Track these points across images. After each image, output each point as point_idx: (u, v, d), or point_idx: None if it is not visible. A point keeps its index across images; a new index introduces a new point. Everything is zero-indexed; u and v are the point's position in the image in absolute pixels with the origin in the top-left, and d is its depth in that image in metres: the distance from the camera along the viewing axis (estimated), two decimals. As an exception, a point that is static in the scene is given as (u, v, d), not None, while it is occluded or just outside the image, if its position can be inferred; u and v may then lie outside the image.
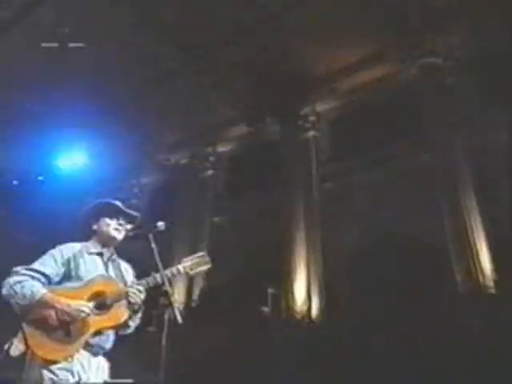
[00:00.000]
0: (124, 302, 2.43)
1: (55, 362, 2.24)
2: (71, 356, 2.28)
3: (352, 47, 9.59)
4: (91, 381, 2.33)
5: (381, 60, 9.79)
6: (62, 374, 2.24)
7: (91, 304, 2.37)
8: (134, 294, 2.42)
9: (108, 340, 2.46)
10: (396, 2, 8.58)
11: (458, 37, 9.11)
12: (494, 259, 7.53)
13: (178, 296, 10.61)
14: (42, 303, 2.31)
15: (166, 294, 2.42)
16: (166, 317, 2.41)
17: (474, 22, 8.73)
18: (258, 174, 11.38)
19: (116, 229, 2.66)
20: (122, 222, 2.68)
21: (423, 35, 9.16)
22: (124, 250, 2.79)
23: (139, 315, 2.57)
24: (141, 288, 2.45)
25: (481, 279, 7.37)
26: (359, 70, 10.08)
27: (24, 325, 2.29)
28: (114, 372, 2.55)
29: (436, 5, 8.48)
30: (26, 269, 2.41)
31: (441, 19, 8.77)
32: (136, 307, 2.47)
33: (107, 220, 2.67)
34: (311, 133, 11.14)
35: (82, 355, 2.33)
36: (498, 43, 8.56)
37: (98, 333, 2.38)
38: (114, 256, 2.70)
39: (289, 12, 8.79)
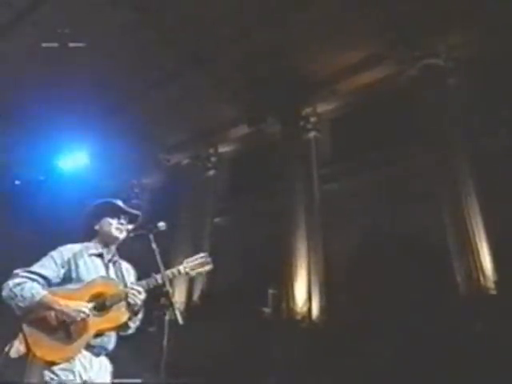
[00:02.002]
0: (124, 303, 2.44)
1: (56, 363, 2.26)
2: (72, 357, 2.30)
3: (353, 48, 9.59)
4: (93, 381, 2.34)
5: (382, 61, 9.79)
6: (64, 375, 2.25)
7: (90, 305, 2.38)
8: (134, 295, 2.43)
9: (110, 341, 2.48)
10: (397, 3, 8.57)
11: (458, 38, 9.10)
12: (495, 260, 7.53)
13: (179, 297, 10.62)
14: (42, 305, 2.32)
15: (166, 294, 2.43)
16: (167, 317, 2.42)
17: (475, 23, 8.74)
18: (259, 175, 11.39)
19: (118, 228, 2.67)
20: (123, 221, 2.69)
21: (424, 36, 9.15)
22: (124, 250, 2.80)
23: (139, 316, 2.58)
24: (140, 289, 2.46)
25: (481, 280, 7.36)
26: (360, 71, 10.08)
27: (24, 326, 2.30)
28: (115, 372, 2.56)
29: (437, 6, 8.48)
30: (25, 271, 2.42)
31: (442, 20, 8.76)
32: (136, 308, 2.48)
33: (109, 219, 2.68)
34: (312, 133, 11.15)
35: (84, 356, 2.35)
36: (499, 44, 8.56)
37: (99, 334, 2.39)
38: (116, 257, 2.71)
39: (290, 13, 8.79)
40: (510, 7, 7.81)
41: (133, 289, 2.46)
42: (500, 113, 8.31)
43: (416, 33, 9.11)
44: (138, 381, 5.63)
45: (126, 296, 2.44)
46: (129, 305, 2.45)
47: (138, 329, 2.64)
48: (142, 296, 2.46)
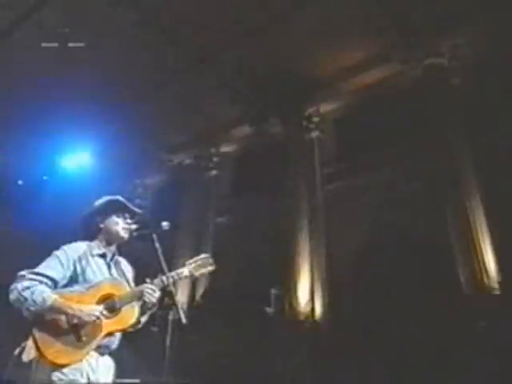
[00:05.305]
0: (132, 304, 2.45)
1: (66, 366, 2.26)
2: (82, 359, 2.31)
3: (356, 48, 9.57)
4: (99, 381, 2.34)
5: (385, 61, 9.77)
6: (72, 374, 2.26)
7: (101, 308, 2.38)
8: (149, 293, 2.45)
9: (115, 340, 2.49)
10: (400, 2, 8.55)
11: (463, 37, 9.07)
12: (499, 260, 7.50)
13: (182, 296, 10.63)
14: (53, 309, 2.31)
15: (169, 294, 2.43)
16: (170, 317, 2.43)
17: (479, 22, 8.71)
18: (262, 175, 11.38)
19: (124, 228, 2.67)
20: (128, 220, 2.69)
21: (428, 36, 9.12)
22: (124, 249, 2.80)
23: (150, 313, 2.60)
24: (154, 287, 2.47)
25: (485, 280, 7.34)
26: (363, 71, 10.05)
27: (35, 330, 2.29)
28: (118, 372, 2.56)
29: (440, 5, 8.45)
30: (33, 273, 2.40)
31: (445, 19, 8.73)
32: (150, 306, 2.50)
33: (115, 218, 2.68)
34: (315, 133, 11.13)
35: (91, 355, 2.35)
36: (503, 44, 8.53)
37: (107, 335, 2.40)
38: (116, 256, 2.72)
39: (293, 13, 8.78)
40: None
41: (148, 288, 2.47)
42: (504, 112, 8.27)
43: (420, 32, 9.08)
44: (137, 381, 5.63)
45: (142, 295, 2.45)
46: (144, 303, 2.47)
47: (139, 328, 2.64)
48: (157, 294, 2.47)
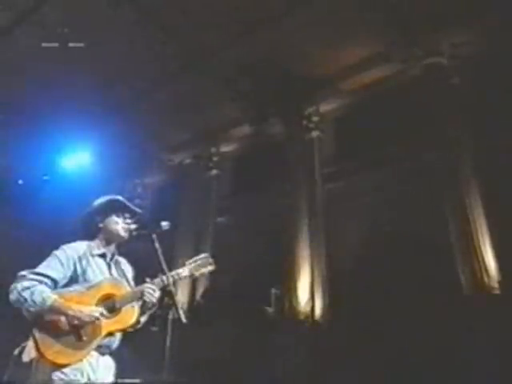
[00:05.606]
0: (133, 304, 2.45)
1: (66, 366, 2.26)
2: (82, 360, 2.31)
3: (356, 47, 9.57)
4: (100, 381, 2.35)
5: (385, 60, 9.76)
6: (72, 374, 2.26)
7: (102, 308, 2.38)
8: (149, 293, 2.46)
9: (115, 340, 2.50)
10: (400, 2, 8.55)
11: (463, 36, 9.07)
12: (499, 259, 7.50)
13: (182, 296, 10.63)
14: (53, 309, 2.31)
15: (169, 294, 2.44)
16: (170, 317, 2.43)
17: (479, 22, 8.71)
18: (262, 174, 11.38)
19: (123, 228, 2.67)
20: (128, 220, 2.70)
21: (428, 35, 9.12)
22: (124, 249, 2.80)
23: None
24: (155, 287, 2.48)
25: (485, 280, 7.34)
26: (363, 70, 10.05)
27: (35, 331, 2.29)
28: (118, 372, 2.57)
29: (440, 4, 8.44)
30: (33, 273, 2.40)
31: (445, 19, 8.73)
32: (150, 306, 2.51)
33: (115, 217, 2.68)
34: (315, 133, 11.12)
35: (91, 355, 2.36)
36: (503, 43, 8.53)
37: (107, 335, 2.40)
38: (116, 255, 2.72)
39: (293, 12, 8.78)
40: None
41: (148, 287, 2.48)
42: (504, 111, 8.26)
43: (419, 31, 9.08)
44: (137, 381, 5.63)
45: (142, 295, 2.45)
46: (144, 303, 2.48)
47: (139, 328, 2.64)
48: (157, 294, 2.49)
